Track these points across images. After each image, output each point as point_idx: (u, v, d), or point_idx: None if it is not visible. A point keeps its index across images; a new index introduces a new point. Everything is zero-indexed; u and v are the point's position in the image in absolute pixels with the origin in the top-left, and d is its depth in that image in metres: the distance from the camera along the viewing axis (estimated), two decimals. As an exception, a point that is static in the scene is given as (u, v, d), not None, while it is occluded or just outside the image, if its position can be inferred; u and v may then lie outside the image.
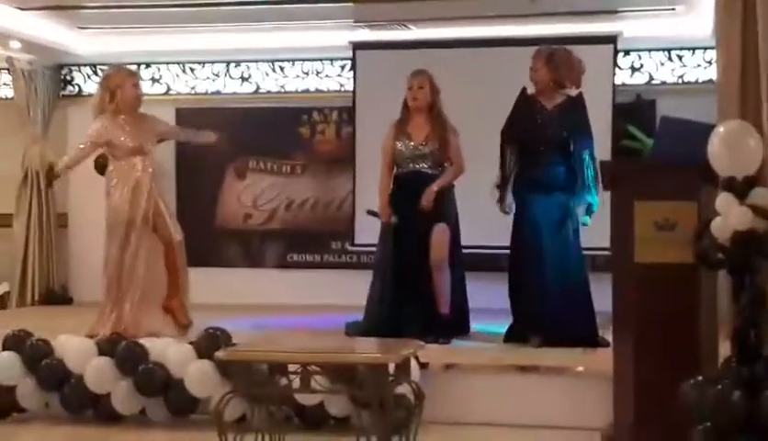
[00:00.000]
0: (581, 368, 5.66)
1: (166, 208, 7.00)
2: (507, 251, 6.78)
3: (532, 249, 6.43)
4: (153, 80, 9.81)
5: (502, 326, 6.73)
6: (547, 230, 6.43)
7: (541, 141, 6.52)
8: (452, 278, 6.72)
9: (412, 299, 6.63)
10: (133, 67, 9.78)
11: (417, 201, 6.65)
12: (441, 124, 6.78)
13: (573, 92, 6.63)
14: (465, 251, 7.00)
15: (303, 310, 8.46)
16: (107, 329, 6.56)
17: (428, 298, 6.61)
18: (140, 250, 6.80)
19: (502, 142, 6.67)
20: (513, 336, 6.56)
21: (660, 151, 4.86)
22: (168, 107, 9.27)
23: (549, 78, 6.56)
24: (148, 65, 9.86)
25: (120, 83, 6.84)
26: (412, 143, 6.76)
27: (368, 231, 8.70)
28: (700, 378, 4.04)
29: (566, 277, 6.41)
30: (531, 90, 6.70)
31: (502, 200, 6.65)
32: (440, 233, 6.66)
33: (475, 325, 7.04)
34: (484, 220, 7.17)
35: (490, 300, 7.07)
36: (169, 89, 9.89)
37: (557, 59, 6.56)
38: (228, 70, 9.84)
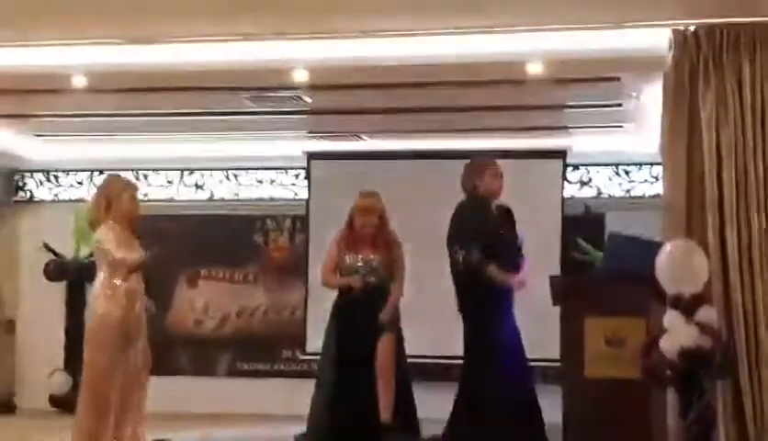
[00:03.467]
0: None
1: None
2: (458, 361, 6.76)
3: (489, 361, 6.37)
4: (107, 186, 9.79)
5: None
6: (507, 340, 6.38)
7: (496, 243, 6.50)
8: (397, 385, 6.73)
9: (355, 409, 6.63)
10: (86, 174, 9.91)
11: (365, 313, 6.67)
12: (388, 240, 6.87)
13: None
14: (418, 360, 6.99)
15: (253, 419, 8.35)
16: None
17: (373, 408, 6.60)
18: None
19: (453, 244, 6.63)
20: None
21: (608, 267, 4.94)
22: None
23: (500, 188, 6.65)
24: (101, 172, 9.83)
25: (118, 192, 6.71)
26: (360, 256, 6.81)
27: (320, 340, 8.70)
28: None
29: (518, 389, 6.35)
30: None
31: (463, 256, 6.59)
32: (387, 344, 6.71)
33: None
34: (435, 329, 7.18)
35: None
36: (122, 196, 9.85)
37: None
38: (182, 177, 9.87)
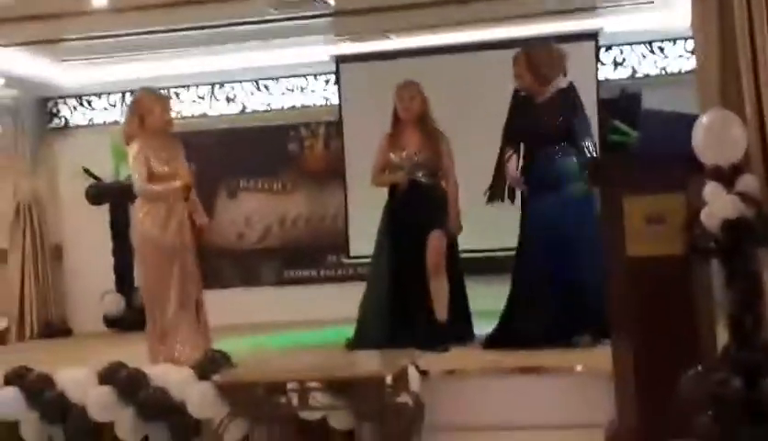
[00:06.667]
0: (580, 367, 5.65)
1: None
2: (506, 253, 6.75)
3: (541, 249, 6.34)
4: (139, 106, 9.79)
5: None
6: (558, 228, 6.31)
7: (540, 136, 6.48)
8: (450, 285, 6.71)
9: (408, 307, 6.66)
10: (119, 95, 9.91)
11: (414, 210, 6.67)
12: (433, 133, 6.79)
13: (563, 82, 6.60)
14: (465, 255, 6.98)
15: (302, 326, 8.44)
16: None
17: (425, 305, 6.62)
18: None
19: (502, 143, 6.67)
20: (497, 342, 6.43)
21: (644, 145, 4.86)
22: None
23: (533, 80, 6.55)
24: (132, 92, 9.83)
25: (150, 107, 6.57)
26: (405, 153, 6.75)
27: (363, 243, 8.73)
28: (699, 368, 4.04)
29: (578, 273, 6.31)
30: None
31: (493, 197, 6.66)
32: (436, 240, 6.67)
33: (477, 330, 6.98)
34: (482, 223, 7.16)
35: (491, 304, 7.03)
36: (155, 115, 9.86)
37: (535, 60, 6.54)
38: (213, 92, 9.84)
